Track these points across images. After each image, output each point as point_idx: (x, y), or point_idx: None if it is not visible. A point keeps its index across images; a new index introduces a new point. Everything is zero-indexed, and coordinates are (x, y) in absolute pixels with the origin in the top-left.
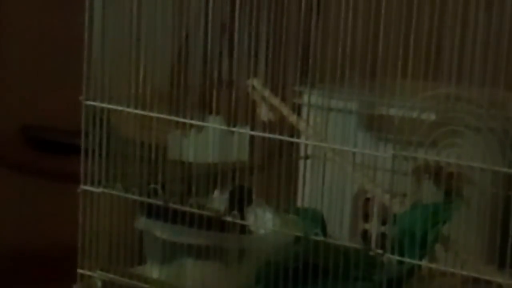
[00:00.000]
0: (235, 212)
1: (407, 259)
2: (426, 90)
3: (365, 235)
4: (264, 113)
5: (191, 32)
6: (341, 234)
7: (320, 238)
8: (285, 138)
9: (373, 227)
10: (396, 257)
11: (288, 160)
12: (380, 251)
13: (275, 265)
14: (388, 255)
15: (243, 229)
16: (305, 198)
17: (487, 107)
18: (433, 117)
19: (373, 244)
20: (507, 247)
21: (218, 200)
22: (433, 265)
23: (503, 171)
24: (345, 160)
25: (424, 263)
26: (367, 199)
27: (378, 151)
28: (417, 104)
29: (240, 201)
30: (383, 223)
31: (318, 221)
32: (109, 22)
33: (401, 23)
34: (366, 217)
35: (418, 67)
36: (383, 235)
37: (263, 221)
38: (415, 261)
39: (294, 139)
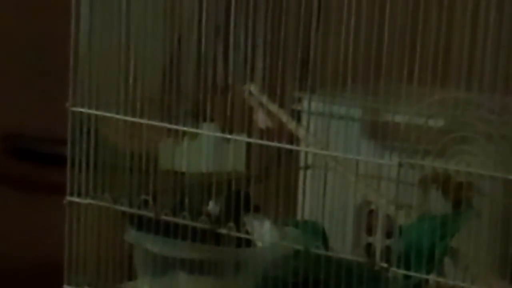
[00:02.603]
0: (231, 224)
1: (413, 274)
2: (433, 96)
3: (369, 248)
4: (261, 120)
5: (184, 34)
6: (343, 247)
7: (321, 251)
8: (284, 146)
9: (377, 240)
10: (402, 272)
11: (287, 169)
12: (385, 265)
13: (273, 280)
14: (393, 269)
15: (240, 239)
16: (305, 210)
17: (498, 113)
18: (441, 123)
19: (377, 258)
20: None
21: (213, 211)
22: (442, 280)
23: None
24: (347, 170)
25: (432, 277)
26: (371, 211)
27: (381, 158)
28: (424, 110)
29: (236, 207)
30: (388, 236)
31: (319, 234)
32: (97, 23)
33: (407, 25)
34: (370, 230)
35: (425, 72)
36: (388, 249)
37: (261, 233)
38: (423, 276)
39: (294, 147)
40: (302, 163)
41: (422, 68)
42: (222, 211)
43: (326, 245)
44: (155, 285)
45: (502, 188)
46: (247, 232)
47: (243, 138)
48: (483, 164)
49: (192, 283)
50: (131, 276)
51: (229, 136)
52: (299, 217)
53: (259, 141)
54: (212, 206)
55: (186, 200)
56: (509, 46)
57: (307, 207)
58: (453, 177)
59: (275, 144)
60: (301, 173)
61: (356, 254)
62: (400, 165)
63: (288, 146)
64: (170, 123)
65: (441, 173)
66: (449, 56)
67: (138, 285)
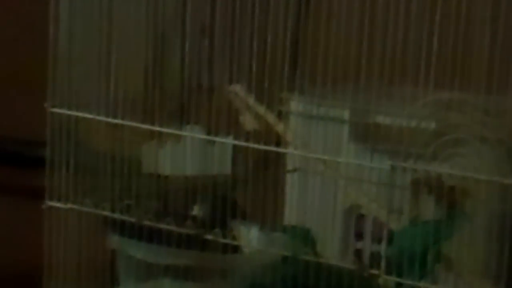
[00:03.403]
0: (217, 229)
1: (404, 281)
2: (426, 97)
3: (359, 254)
4: (248, 122)
5: (167, 33)
6: (332, 253)
7: (311, 257)
8: (271, 148)
9: (366, 246)
10: (392, 278)
11: (274, 173)
12: (376, 271)
13: (261, 287)
14: (384, 276)
15: (227, 246)
16: (292, 214)
17: (494, 115)
18: (433, 125)
19: (366, 264)
20: None
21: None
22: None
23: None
24: (336, 173)
25: (423, 284)
26: (361, 215)
27: (372, 161)
28: (417, 112)
29: (223, 213)
30: (379, 241)
31: (308, 239)
32: (77, 20)
33: (399, 24)
34: (359, 235)
35: (418, 72)
36: (378, 255)
37: (248, 239)
38: (414, 283)
39: (281, 150)
40: (289, 166)
41: (415, 69)
42: (208, 217)
43: (314, 251)
44: None
45: (497, 193)
46: (233, 238)
47: (229, 140)
48: (477, 168)
49: None
50: (113, 283)
51: (214, 138)
52: (286, 221)
53: (246, 144)
54: (197, 210)
55: (170, 205)
56: (505, 46)
57: (294, 211)
58: (446, 181)
59: (262, 146)
60: (289, 176)
61: (346, 260)
62: (393, 168)
63: (276, 149)
64: (153, 125)
65: (433, 177)
66: (443, 56)
67: None
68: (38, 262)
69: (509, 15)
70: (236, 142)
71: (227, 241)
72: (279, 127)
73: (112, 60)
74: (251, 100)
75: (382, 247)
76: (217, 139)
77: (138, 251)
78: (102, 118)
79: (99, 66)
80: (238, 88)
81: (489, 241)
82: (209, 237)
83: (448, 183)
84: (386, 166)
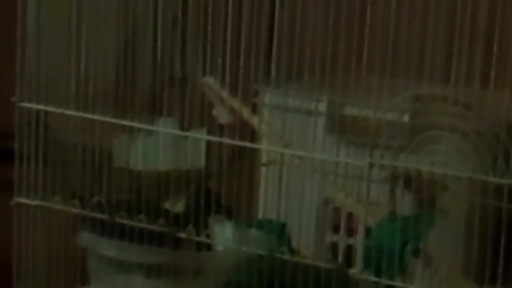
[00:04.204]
0: (191, 227)
1: (376, 279)
2: (407, 89)
3: (334, 248)
4: (221, 115)
5: (139, 25)
6: (307, 247)
7: (287, 256)
8: (245, 144)
9: (341, 239)
10: (367, 277)
11: (249, 166)
12: (354, 270)
13: (236, 285)
14: (363, 275)
15: (201, 243)
16: (267, 207)
17: (475, 108)
18: (412, 120)
19: (341, 258)
20: (498, 263)
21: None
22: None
23: (492, 181)
24: (311, 167)
25: (398, 283)
26: (336, 208)
27: (348, 156)
28: (396, 105)
29: (197, 209)
30: (351, 234)
31: (283, 235)
32: (45, 14)
33: (379, 17)
34: (336, 228)
35: (397, 65)
36: (354, 249)
37: (222, 237)
38: (388, 282)
39: (255, 145)
40: (264, 160)
41: (395, 61)
42: (181, 213)
43: (290, 247)
44: None
45: (477, 189)
46: (207, 236)
47: (202, 135)
48: (457, 164)
49: (149, 287)
50: (84, 281)
51: (187, 134)
52: (261, 215)
53: (219, 139)
54: (171, 205)
55: (143, 201)
56: (485, 39)
57: (269, 205)
58: (425, 177)
59: (236, 142)
60: (263, 170)
61: (322, 256)
62: (371, 165)
63: (250, 144)
64: (125, 118)
65: (412, 173)
66: (424, 49)
67: None
68: (8, 258)
69: (490, 10)
70: (210, 138)
71: (201, 239)
72: (254, 120)
73: (82, 53)
74: (225, 93)
75: (358, 242)
76: (190, 134)
77: (109, 249)
78: (71, 112)
79: (69, 60)
80: (211, 81)
81: (468, 237)
82: (182, 235)
83: (427, 179)
84: (364, 163)
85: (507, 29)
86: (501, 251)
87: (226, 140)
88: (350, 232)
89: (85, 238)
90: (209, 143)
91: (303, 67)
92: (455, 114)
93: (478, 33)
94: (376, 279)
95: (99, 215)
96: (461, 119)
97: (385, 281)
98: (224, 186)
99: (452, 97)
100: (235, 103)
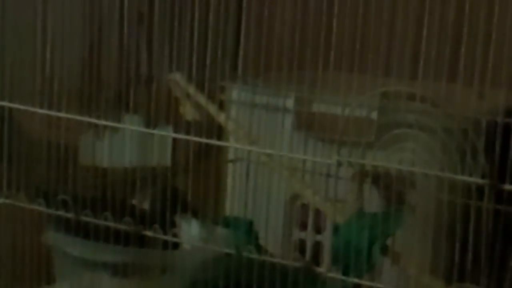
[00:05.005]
0: (157, 225)
1: (351, 279)
2: (375, 85)
3: (302, 245)
4: (188, 112)
5: (104, 20)
6: (275, 244)
7: (254, 255)
8: (212, 142)
9: (309, 236)
10: (337, 276)
11: (215, 163)
12: (322, 270)
13: (203, 284)
14: (331, 274)
15: (167, 241)
16: (234, 204)
17: (443, 105)
18: (380, 117)
19: (308, 255)
20: (466, 261)
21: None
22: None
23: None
24: (278, 163)
25: (364, 282)
26: (303, 205)
27: (316, 153)
28: (364, 102)
29: (163, 206)
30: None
31: (250, 232)
32: (10, 9)
33: (345, 11)
34: (303, 225)
35: (366, 60)
36: (322, 246)
37: (188, 235)
38: (354, 280)
39: (223, 143)
40: (231, 156)
41: (363, 57)
42: (148, 210)
43: (257, 244)
44: None
45: (447, 186)
46: (174, 235)
47: (169, 132)
48: (425, 162)
49: (115, 286)
50: (49, 280)
51: (153, 131)
52: (228, 212)
53: (185, 136)
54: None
55: (109, 199)
56: (454, 35)
57: (236, 202)
58: (393, 174)
59: (202, 140)
60: (230, 166)
61: (290, 253)
62: (339, 164)
63: (217, 142)
64: (90, 115)
65: (380, 170)
66: (392, 44)
67: None
68: None
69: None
70: (176, 135)
71: (167, 237)
72: (221, 117)
73: (47, 50)
74: (191, 89)
75: (326, 239)
76: (156, 132)
77: (75, 247)
78: (36, 109)
79: (34, 56)
80: (178, 77)
81: (436, 235)
82: (148, 233)
83: (395, 176)
84: (332, 161)
85: (475, 25)
86: (469, 248)
87: (192, 138)
88: (318, 229)
89: (50, 236)
90: (175, 140)
91: (270, 63)
92: (422, 111)
93: (447, 29)
94: (343, 278)
95: (64, 214)
96: (428, 116)
97: (352, 279)
98: (190, 183)
99: (419, 94)
100: (202, 99)
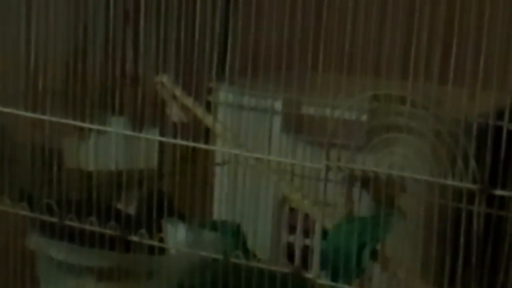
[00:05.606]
0: (143, 230)
1: (340, 285)
2: (364, 87)
3: (291, 249)
4: (175, 114)
5: (89, 21)
6: (263, 248)
7: (241, 261)
8: (199, 145)
9: (297, 240)
10: (325, 281)
11: (203, 166)
12: (311, 276)
13: None
14: (320, 279)
15: (153, 246)
16: (222, 208)
17: (433, 109)
18: (370, 120)
19: (297, 259)
20: (457, 265)
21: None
22: None
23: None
24: (266, 166)
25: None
26: (292, 208)
27: (305, 156)
28: (354, 105)
29: (150, 210)
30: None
31: (238, 236)
32: None
33: (333, 13)
34: (291, 228)
35: (355, 62)
36: (311, 250)
37: (175, 239)
38: (344, 286)
39: (210, 147)
40: (218, 159)
41: (353, 59)
42: (134, 214)
43: (245, 249)
44: None
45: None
46: (160, 240)
47: (155, 135)
48: (415, 166)
49: None
50: (33, 285)
51: (139, 135)
52: (215, 215)
53: (172, 140)
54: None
55: (94, 202)
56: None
57: (224, 205)
58: (382, 177)
59: (189, 143)
60: (218, 169)
61: (281, 262)
62: (328, 168)
63: (204, 146)
64: (75, 118)
65: (370, 173)
66: (382, 46)
67: None
68: None
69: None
70: (163, 139)
71: (154, 243)
72: (208, 119)
73: (31, 52)
74: (178, 91)
75: (315, 244)
76: (142, 135)
77: (59, 252)
78: (20, 112)
79: (18, 58)
80: (164, 79)
81: (427, 240)
82: (134, 238)
83: (385, 180)
84: (321, 166)
85: (466, 28)
86: (460, 253)
87: (179, 141)
88: (307, 233)
89: (34, 240)
90: (161, 143)
91: (258, 65)
92: (413, 115)
93: (437, 31)
94: (332, 283)
95: (48, 218)
96: (419, 119)
97: (342, 285)
98: (177, 186)
99: (410, 97)
100: (189, 101)
